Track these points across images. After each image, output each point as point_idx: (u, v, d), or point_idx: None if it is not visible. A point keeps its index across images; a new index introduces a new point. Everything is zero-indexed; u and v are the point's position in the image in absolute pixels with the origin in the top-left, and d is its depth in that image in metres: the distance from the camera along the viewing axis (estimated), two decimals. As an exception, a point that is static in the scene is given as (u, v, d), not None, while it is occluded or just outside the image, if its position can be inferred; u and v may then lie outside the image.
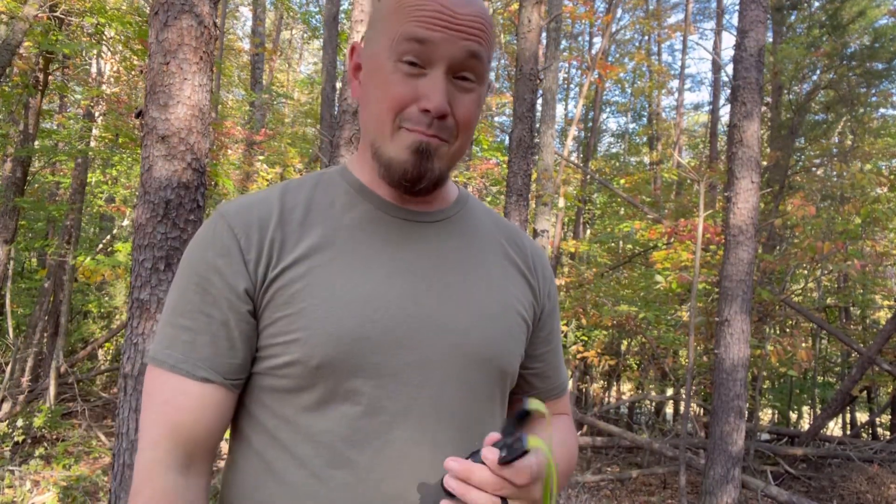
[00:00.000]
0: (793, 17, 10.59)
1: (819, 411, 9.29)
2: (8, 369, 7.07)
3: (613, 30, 14.04)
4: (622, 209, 12.23)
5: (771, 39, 10.15)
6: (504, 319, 0.90)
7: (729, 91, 5.59)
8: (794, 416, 11.11)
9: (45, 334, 8.00)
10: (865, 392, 10.13)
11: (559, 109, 17.96)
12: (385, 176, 0.85)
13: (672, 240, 7.79)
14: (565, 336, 10.07)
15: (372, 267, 0.84)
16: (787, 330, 9.58)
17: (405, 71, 0.80)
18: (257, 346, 0.83)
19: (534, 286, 0.98)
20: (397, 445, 0.80)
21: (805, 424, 10.76)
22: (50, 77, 7.06)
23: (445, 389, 0.83)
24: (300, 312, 0.80)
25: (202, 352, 0.81)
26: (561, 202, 10.72)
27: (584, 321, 9.11)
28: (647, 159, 16.53)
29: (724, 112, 12.62)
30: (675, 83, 15.93)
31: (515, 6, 10.02)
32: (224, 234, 0.83)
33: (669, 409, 11.95)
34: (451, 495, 0.72)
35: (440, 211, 0.93)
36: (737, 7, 5.04)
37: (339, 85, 7.41)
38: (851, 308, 10.81)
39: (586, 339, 10.16)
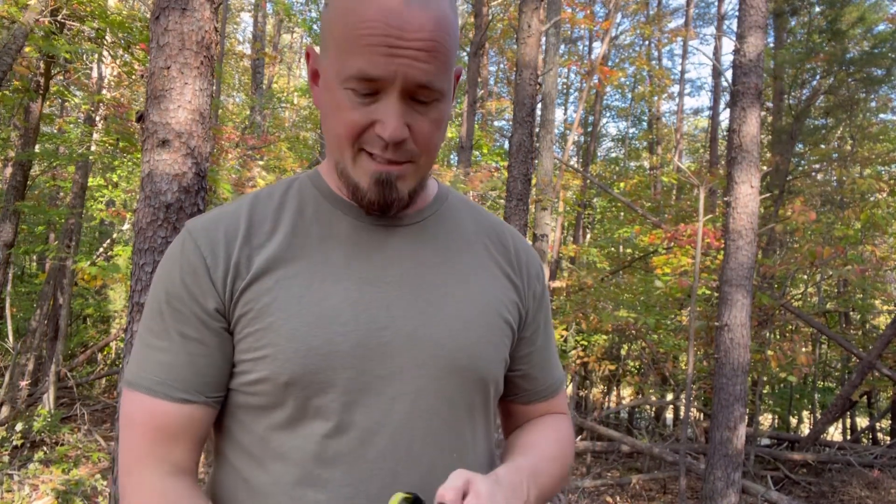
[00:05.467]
0: (792, 23, 10.62)
1: (819, 416, 9.28)
2: (7, 373, 7.06)
3: (613, 34, 14.08)
4: (622, 213, 12.24)
5: (771, 44, 10.18)
6: (482, 325, 0.86)
7: (729, 96, 5.60)
8: (794, 421, 11.10)
9: (45, 338, 7.99)
10: (865, 397, 10.12)
11: (559, 114, 18.01)
12: (354, 199, 0.83)
13: (672, 244, 7.79)
14: (565, 341, 10.06)
15: (341, 277, 0.82)
16: (787, 335, 9.57)
17: (357, 98, 0.76)
18: (233, 362, 0.82)
19: (518, 285, 0.94)
20: (369, 461, 0.78)
21: (805, 429, 10.74)
22: (51, 81, 7.07)
23: (420, 401, 0.81)
24: (268, 328, 0.78)
25: (179, 373, 0.80)
26: (560, 207, 10.73)
27: (584, 326, 9.10)
28: (647, 164, 16.55)
29: (724, 117, 12.64)
30: (675, 88, 15.95)
31: (515, 12, 10.05)
32: (190, 251, 0.82)
33: (670, 414, 11.92)
34: None
35: (415, 213, 0.90)
36: (737, 12, 5.05)
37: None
38: (851, 313, 10.80)
39: (586, 343, 10.15)
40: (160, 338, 0.81)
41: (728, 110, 5.70)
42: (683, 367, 9.60)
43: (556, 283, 9.02)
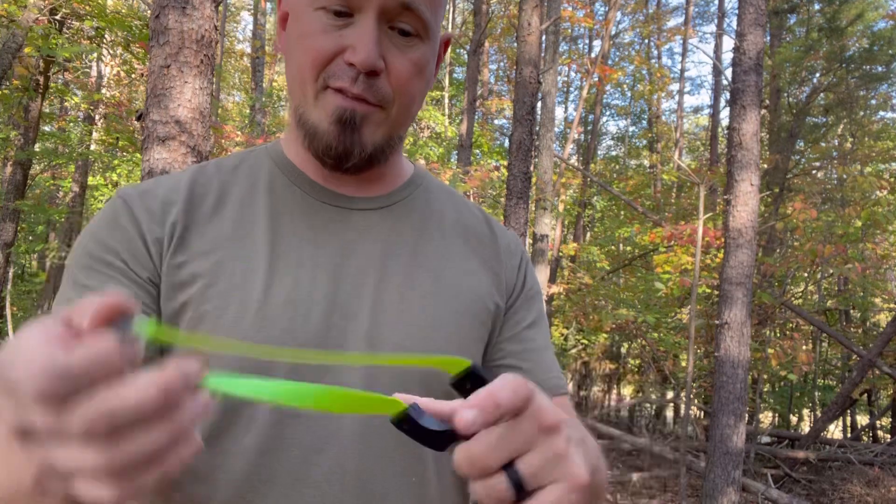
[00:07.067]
0: (791, 21, 10.62)
1: (819, 414, 9.29)
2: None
3: (613, 33, 14.08)
4: (622, 212, 12.25)
5: (769, 42, 10.18)
6: (453, 326, 0.74)
7: (729, 94, 5.61)
8: (794, 419, 11.10)
9: (45, 337, 7.98)
10: (866, 395, 10.12)
11: (559, 112, 18.02)
12: (310, 148, 0.71)
13: (672, 243, 7.79)
14: (566, 339, 10.07)
15: (292, 263, 0.70)
16: (788, 333, 9.58)
17: (328, 20, 0.66)
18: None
19: (500, 279, 0.82)
20: (311, 485, 0.65)
21: (805, 427, 10.75)
22: (50, 80, 7.07)
23: (374, 416, 0.64)
24: (202, 317, 0.66)
25: None
26: (560, 206, 10.73)
27: (584, 324, 9.11)
28: (646, 162, 16.55)
29: (725, 115, 12.65)
30: (675, 86, 15.97)
31: (515, 10, 10.04)
32: (123, 215, 0.69)
33: (670, 412, 11.94)
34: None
35: (385, 195, 0.78)
36: (737, 10, 5.05)
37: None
38: (852, 311, 10.80)
39: (586, 342, 10.16)
40: (75, 293, 0.66)
41: (728, 108, 5.70)
42: (684, 366, 9.62)
43: (555, 288, 9.03)
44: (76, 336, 0.33)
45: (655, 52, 16.91)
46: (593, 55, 14.00)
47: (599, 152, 17.90)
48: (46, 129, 8.77)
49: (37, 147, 7.41)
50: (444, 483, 0.74)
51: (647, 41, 16.40)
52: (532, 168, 5.19)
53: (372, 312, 0.71)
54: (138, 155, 6.75)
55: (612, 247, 13.08)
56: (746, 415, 5.27)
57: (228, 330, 0.66)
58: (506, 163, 6.65)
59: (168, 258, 0.68)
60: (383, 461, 0.68)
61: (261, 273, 0.68)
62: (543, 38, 5.97)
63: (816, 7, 9.98)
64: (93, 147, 8.15)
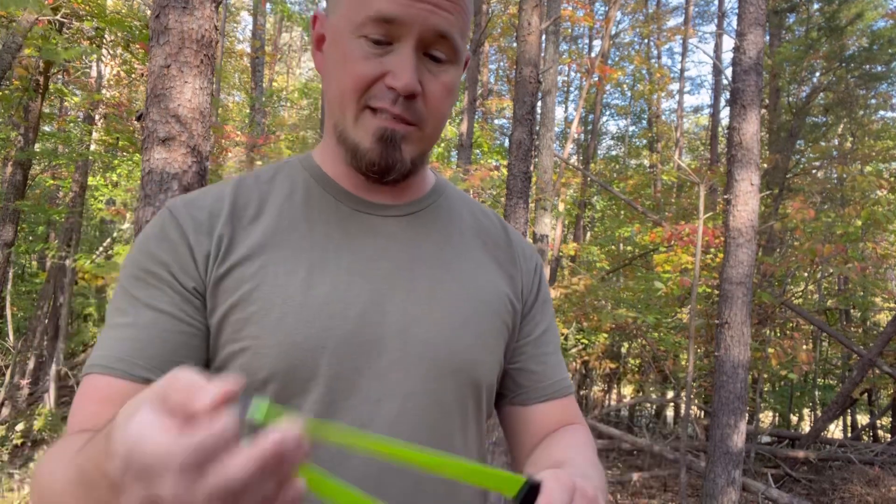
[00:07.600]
0: (791, 20, 10.62)
1: (820, 414, 9.29)
2: (8, 372, 7.07)
3: (613, 32, 14.08)
4: (622, 212, 12.24)
5: (768, 42, 10.18)
6: (478, 325, 0.81)
7: (729, 94, 5.61)
8: (794, 418, 11.10)
9: (46, 337, 7.99)
10: (866, 394, 10.12)
11: (559, 112, 18.03)
12: (352, 163, 0.78)
13: (672, 243, 7.79)
14: (565, 339, 10.06)
15: (330, 266, 0.76)
16: (788, 332, 9.57)
17: (369, 48, 0.72)
18: (209, 354, 0.75)
19: (515, 280, 0.89)
20: (350, 469, 0.71)
21: (806, 427, 10.75)
22: (50, 80, 7.07)
23: (408, 404, 0.75)
24: (249, 318, 0.72)
25: (146, 349, 0.70)
26: (560, 206, 10.73)
27: (584, 324, 9.11)
28: (646, 162, 16.54)
29: (725, 115, 12.64)
30: (675, 86, 15.96)
31: (515, 9, 10.05)
32: (171, 229, 0.75)
33: (670, 412, 11.94)
34: None
35: (411, 203, 0.85)
36: (737, 10, 5.05)
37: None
38: (852, 310, 10.80)
39: (586, 342, 10.16)
40: (126, 314, 0.72)
41: (728, 108, 5.71)
42: (684, 365, 9.61)
43: (553, 292, 9.01)
44: (187, 422, 0.39)
45: (655, 52, 16.90)
46: (593, 55, 14.00)
47: (599, 152, 17.88)
48: (46, 129, 8.77)
49: (37, 147, 7.41)
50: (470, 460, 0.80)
51: (647, 41, 16.39)
52: (532, 168, 5.19)
53: (404, 311, 0.77)
54: (138, 155, 6.75)
55: (612, 247, 13.08)
56: (746, 414, 5.27)
57: (273, 329, 0.72)
58: (506, 162, 6.64)
59: (214, 269, 0.74)
60: (415, 441, 0.74)
61: (301, 276, 0.75)
62: (543, 37, 5.97)
63: (816, 6, 9.98)
64: (93, 147, 8.15)
